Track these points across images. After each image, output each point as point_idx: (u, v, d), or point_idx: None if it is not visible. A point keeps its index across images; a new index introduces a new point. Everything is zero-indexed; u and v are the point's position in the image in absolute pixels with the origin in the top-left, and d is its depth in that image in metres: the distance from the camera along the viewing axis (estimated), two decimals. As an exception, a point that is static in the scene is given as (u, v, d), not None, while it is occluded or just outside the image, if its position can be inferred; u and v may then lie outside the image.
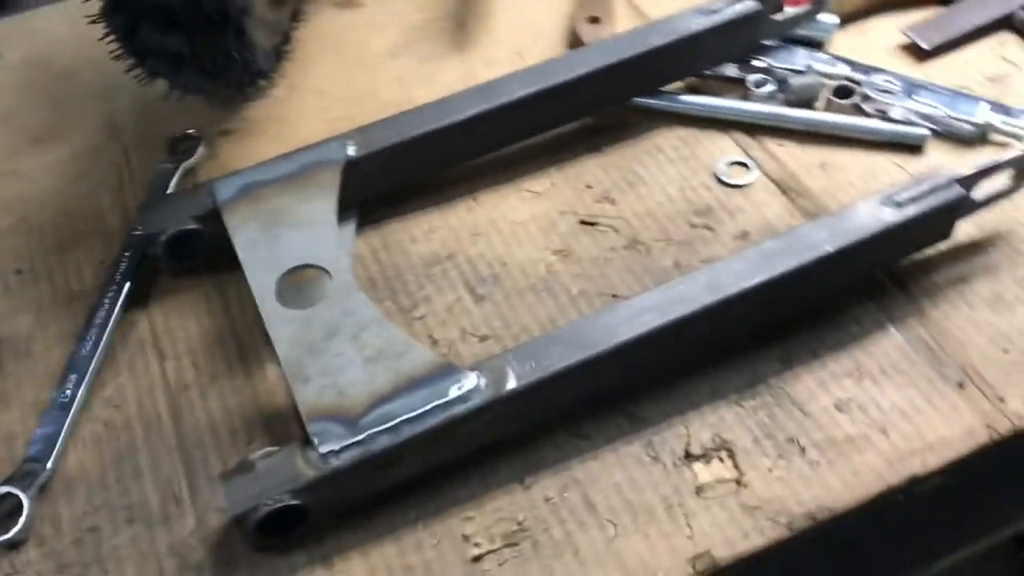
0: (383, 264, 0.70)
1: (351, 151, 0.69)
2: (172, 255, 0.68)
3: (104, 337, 0.65)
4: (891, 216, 0.61)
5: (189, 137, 0.78)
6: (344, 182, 0.69)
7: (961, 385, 0.60)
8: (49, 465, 0.59)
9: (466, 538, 0.56)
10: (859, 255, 0.61)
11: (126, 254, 0.69)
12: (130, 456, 0.60)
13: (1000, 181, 0.66)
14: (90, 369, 0.64)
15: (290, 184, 0.68)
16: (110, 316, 0.66)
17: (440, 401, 0.55)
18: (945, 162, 0.73)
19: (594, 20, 0.85)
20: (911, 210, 0.62)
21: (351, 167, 0.69)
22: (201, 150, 0.78)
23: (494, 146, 0.75)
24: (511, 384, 0.56)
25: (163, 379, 0.64)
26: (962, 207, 0.64)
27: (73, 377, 0.63)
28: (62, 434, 0.61)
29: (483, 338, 0.65)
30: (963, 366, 0.61)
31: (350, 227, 0.71)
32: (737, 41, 0.78)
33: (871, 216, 0.61)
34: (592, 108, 0.77)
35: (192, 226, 0.67)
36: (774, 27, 0.79)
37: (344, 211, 0.71)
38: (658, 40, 0.75)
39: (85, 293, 0.69)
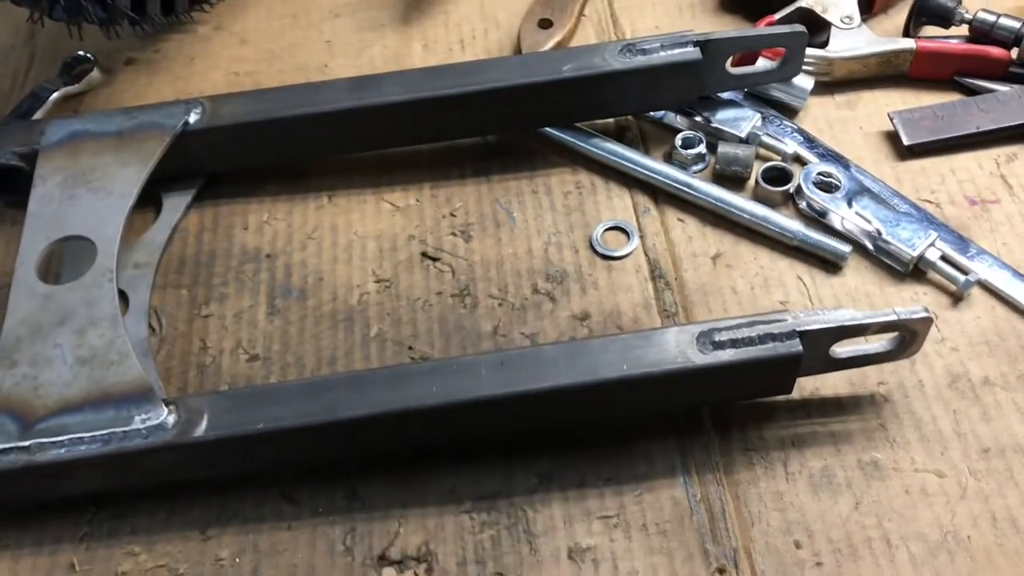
0: (202, 246, 0.66)
1: (193, 119, 0.64)
2: (-2, 185, 0.66)
3: (-93, 253, 0.64)
4: (698, 357, 0.51)
5: (84, 60, 0.75)
6: (180, 150, 0.64)
7: (722, 572, 0.51)
8: None
9: None
10: (647, 391, 0.52)
11: (-42, 172, 0.67)
12: None
13: (879, 342, 0.55)
14: None
15: (115, 142, 0.63)
16: (-80, 232, 0.65)
17: (120, 429, 0.51)
18: (863, 291, 0.61)
19: (545, 24, 0.75)
20: (726, 355, 0.51)
21: (189, 136, 0.64)
22: (95, 76, 0.75)
23: (363, 146, 0.68)
24: (198, 432, 0.51)
25: (-64, 312, 0.63)
26: (807, 364, 0.53)
27: None
28: None
29: (253, 357, 0.60)
30: (738, 550, 0.52)
31: (185, 198, 0.67)
32: (670, 89, 0.66)
33: (676, 351, 0.51)
34: (485, 129, 0.69)
35: (12, 162, 0.64)
36: (727, 80, 0.68)
37: (187, 179, 0.67)
38: (570, 71, 0.65)
39: (-78, 201, 0.68)
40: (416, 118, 0.66)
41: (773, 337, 0.52)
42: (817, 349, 0.53)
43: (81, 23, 0.68)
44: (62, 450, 0.51)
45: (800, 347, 0.51)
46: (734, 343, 0.51)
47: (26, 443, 0.51)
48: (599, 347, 0.52)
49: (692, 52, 0.65)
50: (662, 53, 0.65)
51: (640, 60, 0.65)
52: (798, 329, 0.51)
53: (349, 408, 0.51)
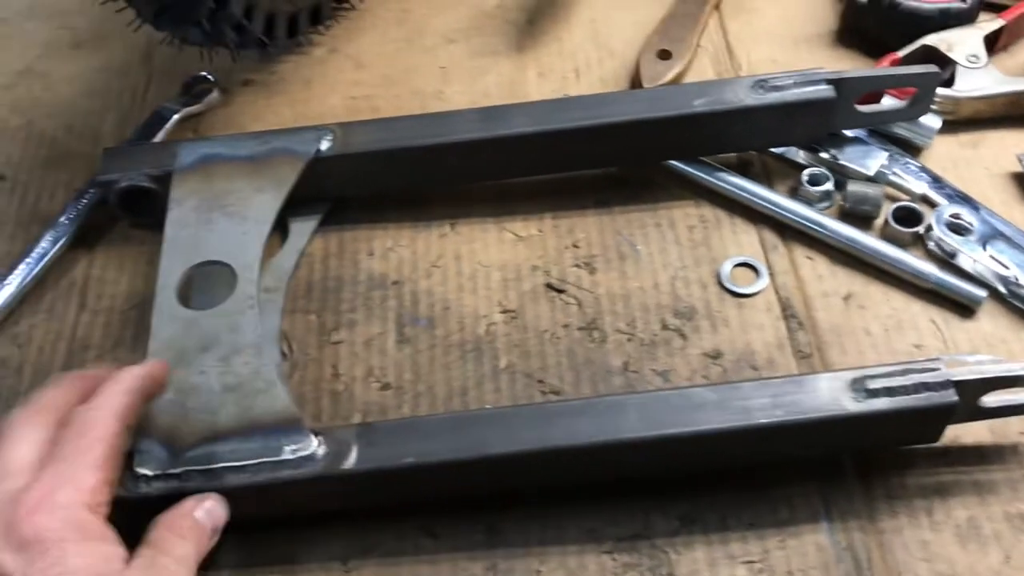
0: (328, 272, 0.66)
1: (324, 146, 0.65)
2: (127, 207, 0.66)
3: (37, 268, 0.65)
4: (852, 404, 0.51)
5: (204, 80, 0.75)
6: (310, 176, 0.64)
7: (871, 623, 0.50)
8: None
9: (258, 605, 0.52)
10: (799, 437, 0.51)
11: (90, 191, 0.68)
12: (6, 404, 0.60)
13: (1028, 392, 0.54)
14: (11, 297, 0.63)
15: (249, 167, 0.64)
16: (51, 249, 0.65)
17: (269, 459, 0.51)
18: (999, 336, 0.61)
19: (664, 55, 0.74)
20: (880, 404, 0.51)
21: (321, 163, 0.64)
22: (214, 96, 0.75)
23: (489, 175, 0.68)
24: (348, 464, 0.51)
25: (72, 331, 0.63)
26: (958, 413, 0.52)
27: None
28: (-40, 358, 0.61)
29: (385, 386, 0.60)
30: (886, 600, 0.51)
31: (311, 222, 0.67)
32: (801, 125, 0.66)
33: (829, 398, 0.51)
34: (611, 161, 0.69)
35: (145, 184, 0.65)
36: (856, 118, 0.67)
37: (313, 204, 0.68)
38: (701, 106, 0.64)
39: (48, 216, 0.68)
40: (544, 150, 0.66)
41: (927, 386, 0.51)
42: (968, 399, 0.52)
43: (214, 47, 0.69)
44: (213, 479, 0.51)
45: (955, 397, 0.51)
46: (888, 391, 0.51)
47: (177, 471, 0.51)
48: (750, 392, 0.52)
49: (826, 90, 0.64)
50: (795, 90, 0.64)
51: (773, 97, 0.64)
52: (953, 379, 0.51)
53: (498, 445, 0.51)
